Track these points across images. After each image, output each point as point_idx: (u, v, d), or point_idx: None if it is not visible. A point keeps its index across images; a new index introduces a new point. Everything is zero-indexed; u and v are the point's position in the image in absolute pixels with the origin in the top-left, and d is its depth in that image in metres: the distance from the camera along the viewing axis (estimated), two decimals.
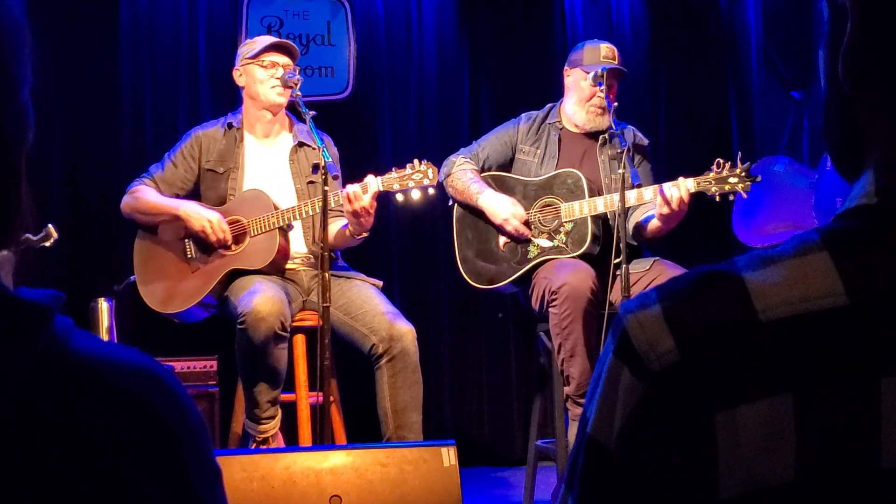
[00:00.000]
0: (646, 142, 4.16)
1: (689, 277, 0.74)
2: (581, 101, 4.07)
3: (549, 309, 3.75)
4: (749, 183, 3.70)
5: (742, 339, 0.70)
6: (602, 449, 0.74)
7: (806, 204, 5.19)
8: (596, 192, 3.93)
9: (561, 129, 4.11)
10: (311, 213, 3.77)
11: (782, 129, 5.78)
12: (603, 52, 4.05)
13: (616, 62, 4.02)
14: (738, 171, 3.70)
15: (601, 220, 3.91)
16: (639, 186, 3.75)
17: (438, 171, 4.15)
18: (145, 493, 0.73)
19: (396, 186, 3.68)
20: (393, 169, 3.72)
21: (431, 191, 3.72)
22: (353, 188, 3.64)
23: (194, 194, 4.00)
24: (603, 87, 3.91)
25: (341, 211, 3.78)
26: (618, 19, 5.85)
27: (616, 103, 3.89)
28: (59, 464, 0.71)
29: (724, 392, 0.69)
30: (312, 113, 3.77)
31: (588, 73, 3.99)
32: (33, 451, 0.71)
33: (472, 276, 4.08)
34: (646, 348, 0.72)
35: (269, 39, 4.02)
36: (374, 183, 3.65)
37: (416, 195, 3.70)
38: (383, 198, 3.76)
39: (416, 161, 3.73)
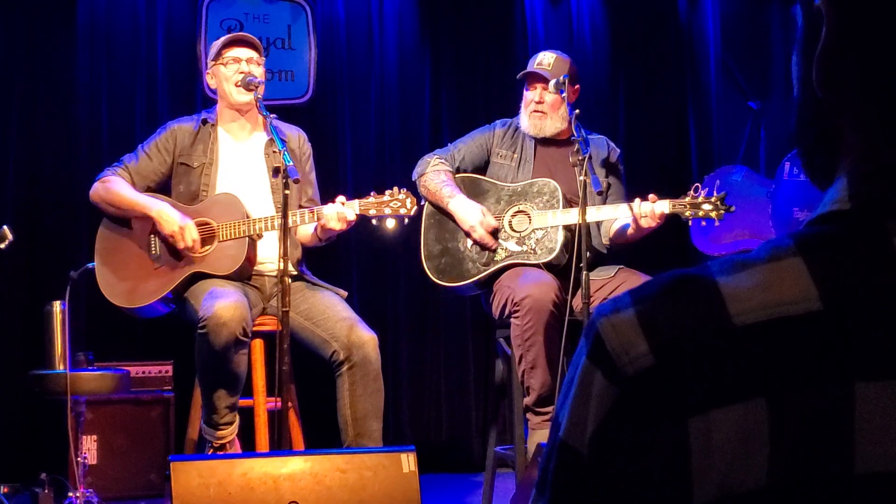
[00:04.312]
0: (618, 152, 4.18)
1: (662, 281, 0.74)
2: (524, 108, 4.15)
3: (511, 320, 3.76)
4: (723, 212, 3.75)
5: (716, 343, 0.69)
6: (574, 453, 0.73)
7: (763, 213, 5.24)
8: (571, 202, 3.94)
9: (535, 137, 4.13)
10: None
11: (740, 139, 5.84)
12: (537, 60, 4.14)
13: (547, 68, 4.05)
14: (713, 199, 3.76)
15: (571, 231, 3.92)
16: (600, 194, 3.80)
17: (412, 172, 4.18)
18: None
19: (373, 212, 3.73)
20: (372, 193, 3.76)
21: (407, 220, 3.76)
22: (336, 210, 3.65)
23: (166, 187, 3.97)
24: (534, 88, 4.08)
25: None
26: (578, 27, 5.88)
27: (577, 111, 3.91)
28: None
29: (698, 396, 0.69)
30: (273, 116, 3.77)
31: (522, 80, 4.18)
32: None
33: (436, 273, 4.06)
34: (619, 352, 0.72)
35: (227, 37, 4.03)
36: (350, 205, 3.70)
37: (390, 223, 3.74)
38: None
39: (395, 189, 3.77)
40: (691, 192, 3.80)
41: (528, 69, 4.12)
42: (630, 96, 5.88)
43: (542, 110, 4.06)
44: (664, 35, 5.93)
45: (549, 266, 3.90)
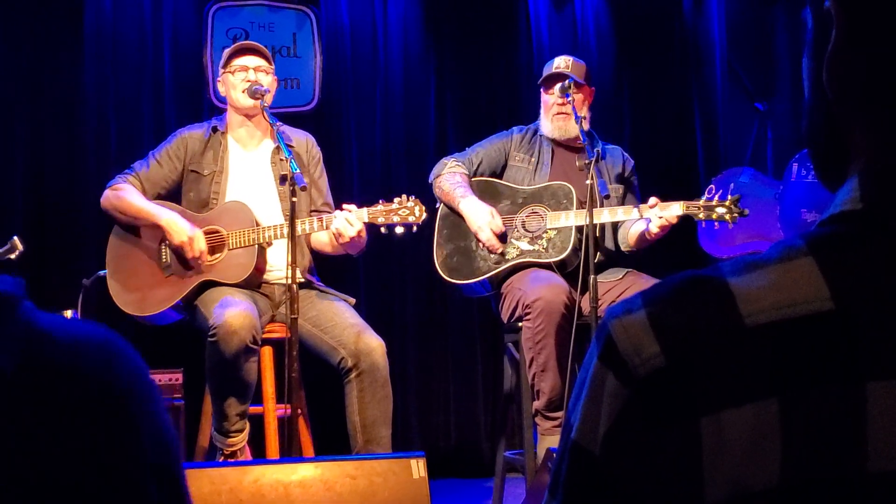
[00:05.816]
0: (632, 163, 4.20)
1: (673, 283, 0.74)
2: (546, 112, 4.17)
3: (523, 322, 3.76)
4: (737, 215, 3.75)
5: (727, 343, 0.70)
6: (586, 454, 0.73)
7: (771, 215, 5.23)
8: (585, 206, 3.95)
9: (552, 141, 4.15)
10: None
11: (747, 141, 5.84)
12: (555, 64, 4.17)
13: (566, 70, 4.07)
14: (727, 202, 3.75)
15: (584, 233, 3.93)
16: (607, 198, 3.81)
17: (424, 176, 4.19)
18: (103, 458, 0.74)
19: (382, 220, 3.73)
20: (380, 201, 3.75)
21: (415, 228, 3.75)
22: (342, 223, 3.65)
23: (176, 194, 3.98)
24: (552, 92, 4.09)
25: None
26: (583, 32, 5.87)
27: (584, 116, 3.92)
28: (40, 442, 0.72)
29: (709, 397, 0.69)
30: (280, 124, 3.78)
31: (541, 86, 4.19)
32: (23, 435, 0.72)
33: (447, 271, 4.09)
34: (631, 353, 0.72)
35: (235, 46, 4.06)
36: (359, 213, 3.69)
37: (399, 230, 3.73)
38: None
39: (403, 196, 3.76)
40: (706, 193, 3.80)
41: (547, 72, 4.14)
42: (635, 99, 5.88)
43: (566, 111, 4.07)
44: (669, 37, 5.92)
45: (559, 268, 3.91)
